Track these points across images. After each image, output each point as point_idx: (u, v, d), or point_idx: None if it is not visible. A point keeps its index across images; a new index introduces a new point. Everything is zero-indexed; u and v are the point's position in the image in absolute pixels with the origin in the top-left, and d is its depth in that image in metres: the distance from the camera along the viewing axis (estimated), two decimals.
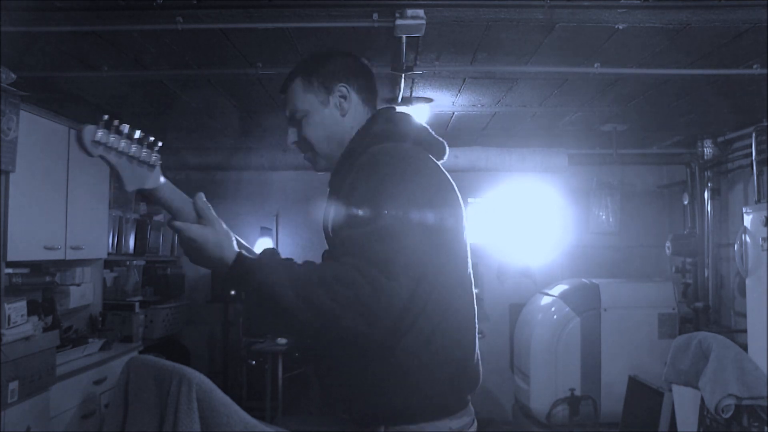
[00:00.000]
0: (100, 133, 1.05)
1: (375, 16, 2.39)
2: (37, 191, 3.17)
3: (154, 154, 1.12)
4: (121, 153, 1.08)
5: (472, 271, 1.38)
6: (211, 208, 1.18)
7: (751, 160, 3.87)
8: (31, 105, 3.08)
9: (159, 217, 4.85)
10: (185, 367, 2.38)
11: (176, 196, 1.16)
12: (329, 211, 1.38)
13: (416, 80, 3.20)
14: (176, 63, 3.00)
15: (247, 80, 3.25)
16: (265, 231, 5.21)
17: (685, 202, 4.85)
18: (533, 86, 3.39)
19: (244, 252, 1.18)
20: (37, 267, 3.38)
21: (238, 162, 4.85)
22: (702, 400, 3.07)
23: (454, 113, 3.95)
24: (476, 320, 1.36)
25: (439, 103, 3.65)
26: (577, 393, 4.12)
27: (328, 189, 1.48)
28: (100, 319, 3.91)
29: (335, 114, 1.41)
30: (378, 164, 1.26)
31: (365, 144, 1.36)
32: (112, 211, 4.11)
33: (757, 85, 3.18)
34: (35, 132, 3.12)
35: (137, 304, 4.18)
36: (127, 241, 4.38)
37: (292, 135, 1.45)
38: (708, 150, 4.45)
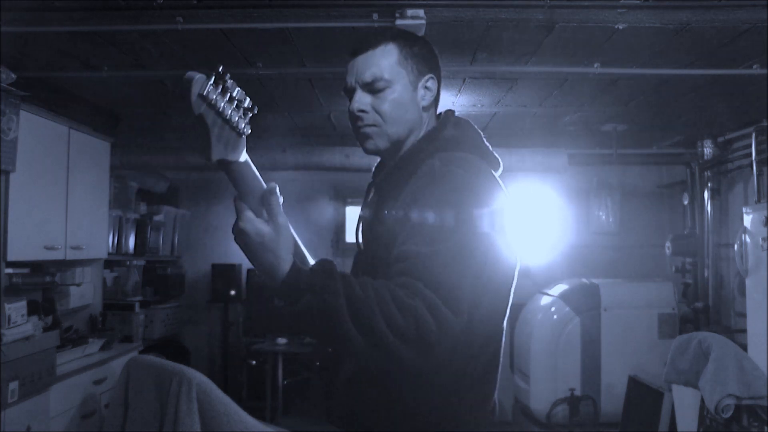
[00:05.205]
0: (209, 88, 0.90)
1: (375, 16, 2.39)
2: (37, 191, 3.17)
3: (246, 122, 0.99)
4: (219, 115, 0.93)
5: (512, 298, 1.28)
6: (281, 204, 1.03)
7: (751, 160, 3.87)
8: (31, 105, 3.08)
9: (159, 217, 4.85)
10: (185, 367, 2.37)
11: (250, 177, 1.02)
12: (378, 215, 1.26)
13: None
14: (176, 63, 3.00)
15: (247, 80, 3.25)
16: None
17: (685, 202, 4.85)
18: (533, 86, 3.39)
19: (298, 263, 1.04)
20: (37, 267, 3.38)
21: None
22: (702, 400, 3.07)
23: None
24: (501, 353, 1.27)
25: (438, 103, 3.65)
26: (577, 393, 4.11)
27: (373, 189, 1.36)
28: (100, 319, 3.91)
29: (416, 101, 1.30)
30: (449, 175, 1.14)
31: (433, 148, 1.25)
32: (112, 211, 4.11)
33: (757, 85, 3.18)
34: (35, 132, 3.12)
35: (137, 304, 4.19)
36: (127, 241, 4.38)
37: (363, 101, 1.26)
38: (708, 150, 4.44)
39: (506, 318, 1.27)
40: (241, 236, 1.01)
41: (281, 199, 1.04)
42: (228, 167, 0.99)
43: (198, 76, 0.90)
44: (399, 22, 2.36)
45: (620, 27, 2.49)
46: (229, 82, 0.93)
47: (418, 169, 1.21)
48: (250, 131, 0.99)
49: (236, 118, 0.96)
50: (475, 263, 1.08)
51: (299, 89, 3.45)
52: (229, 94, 0.94)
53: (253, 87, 3.40)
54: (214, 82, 0.91)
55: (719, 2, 2.29)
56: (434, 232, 1.07)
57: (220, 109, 0.93)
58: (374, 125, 1.27)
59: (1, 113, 2.73)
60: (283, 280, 1.01)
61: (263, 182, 1.03)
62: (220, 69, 0.92)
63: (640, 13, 2.39)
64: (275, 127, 4.36)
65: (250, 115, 0.99)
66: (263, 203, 1.02)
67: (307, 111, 3.97)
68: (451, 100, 3.62)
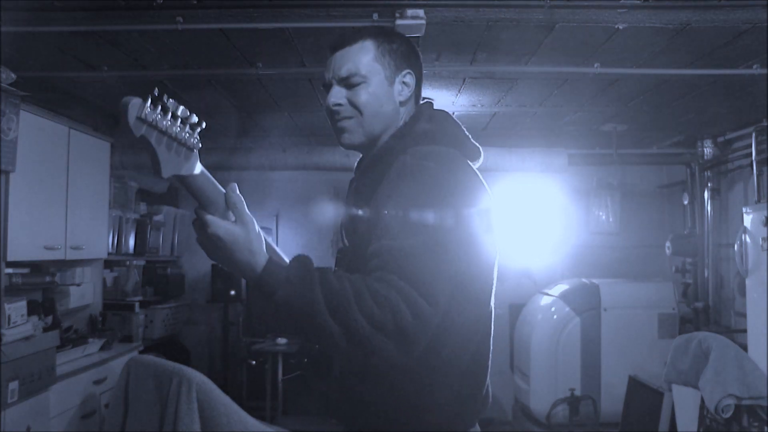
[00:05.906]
0: (147, 110, 0.93)
1: (375, 16, 2.39)
2: (37, 191, 3.17)
3: (195, 137, 1.00)
4: (163, 133, 0.96)
5: (495, 285, 1.27)
6: (244, 202, 1.04)
7: (751, 160, 3.87)
8: (31, 105, 3.08)
9: (159, 217, 4.85)
10: (185, 367, 2.38)
11: (209, 186, 1.03)
12: (355, 211, 1.28)
13: None
14: (176, 63, 3.00)
15: (247, 80, 3.25)
16: (265, 231, 5.19)
17: (685, 202, 4.85)
18: (533, 86, 3.39)
19: (275, 258, 1.06)
20: (37, 267, 3.38)
21: (238, 162, 4.85)
22: (702, 400, 3.07)
23: (454, 113, 3.92)
24: (491, 341, 1.28)
25: (439, 103, 3.65)
26: (577, 393, 4.12)
27: (354, 184, 1.37)
28: (100, 319, 3.91)
29: (392, 96, 1.30)
30: (421, 169, 1.15)
31: (405, 143, 1.25)
32: (112, 211, 4.11)
33: (757, 85, 3.18)
34: (35, 132, 3.11)
35: (137, 304, 4.19)
36: (127, 241, 4.38)
37: (338, 95, 1.29)
38: (708, 150, 4.45)
39: (491, 311, 1.27)
40: (212, 242, 1.02)
41: (242, 199, 1.05)
42: (184, 181, 1.00)
43: (134, 101, 0.92)
44: (399, 22, 2.36)
45: (620, 27, 2.49)
46: (170, 102, 0.96)
47: (392, 165, 1.21)
48: (200, 145, 1.01)
49: (184, 135, 0.98)
50: (448, 255, 1.09)
51: (299, 89, 3.45)
52: (170, 113, 0.96)
53: (253, 87, 3.40)
54: (151, 103, 0.93)
55: (719, 2, 2.29)
56: (407, 226, 1.08)
57: (164, 128, 0.95)
58: (350, 117, 1.29)
59: (1, 113, 2.73)
60: (260, 274, 1.03)
61: (220, 187, 1.05)
62: (155, 92, 0.94)
63: (640, 13, 2.39)
64: (275, 127, 4.36)
65: (199, 129, 1.01)
66: (227, 204, 1.04)
67: (307, 111, 3.97)
68: (451, 100, 3.62)
